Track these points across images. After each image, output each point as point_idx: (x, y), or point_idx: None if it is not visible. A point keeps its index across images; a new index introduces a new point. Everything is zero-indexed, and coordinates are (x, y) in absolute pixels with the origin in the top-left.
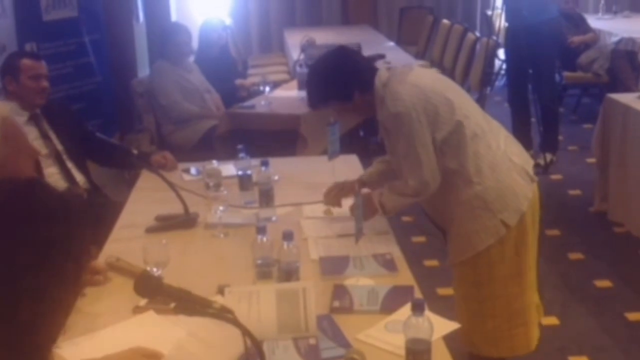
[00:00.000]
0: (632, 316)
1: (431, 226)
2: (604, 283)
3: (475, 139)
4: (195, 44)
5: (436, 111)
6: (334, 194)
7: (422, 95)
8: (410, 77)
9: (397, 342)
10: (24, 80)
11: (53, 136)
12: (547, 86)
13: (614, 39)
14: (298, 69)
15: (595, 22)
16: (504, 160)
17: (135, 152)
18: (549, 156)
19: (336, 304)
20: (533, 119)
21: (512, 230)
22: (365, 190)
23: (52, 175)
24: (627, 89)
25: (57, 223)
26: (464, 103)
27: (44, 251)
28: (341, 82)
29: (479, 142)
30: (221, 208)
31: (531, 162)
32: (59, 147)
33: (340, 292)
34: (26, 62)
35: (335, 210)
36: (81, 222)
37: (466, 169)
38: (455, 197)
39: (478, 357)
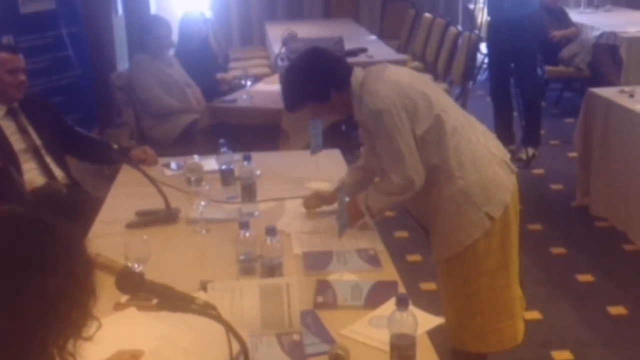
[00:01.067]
0: (615, 310)
1: (414, 222)
2: (586, 277)
3: (455, 133)
4: (175, 37)
5: (415, 106)
6: (314, 203)
7: (402, 91)
8: (386, 74)
9: (381, 338)
10: (1, 74)
11: (31, 130)
12: (529, 80)
13: (596, 32)
14: (279, 62)
15: (577, 16)
16: (484, 153)
17: (115, 146)
18: (531, 150)
19: (320, 299)
20: (515, 113)
21: (496, 222)
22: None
23: (31, 170)
24: (608, 83)
25: (62, 270)
26: (441, 98)
27: (49, 300)
28: (318, 82)
29: (459, 136)
30: (203, 203)
31: (508, 154)
32: (37, 141)
33: (323, 287)
34: (3, 55)
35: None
36: (86, 266)
37: (448, 164)
38: (439, 193)
39: (463, 353)
